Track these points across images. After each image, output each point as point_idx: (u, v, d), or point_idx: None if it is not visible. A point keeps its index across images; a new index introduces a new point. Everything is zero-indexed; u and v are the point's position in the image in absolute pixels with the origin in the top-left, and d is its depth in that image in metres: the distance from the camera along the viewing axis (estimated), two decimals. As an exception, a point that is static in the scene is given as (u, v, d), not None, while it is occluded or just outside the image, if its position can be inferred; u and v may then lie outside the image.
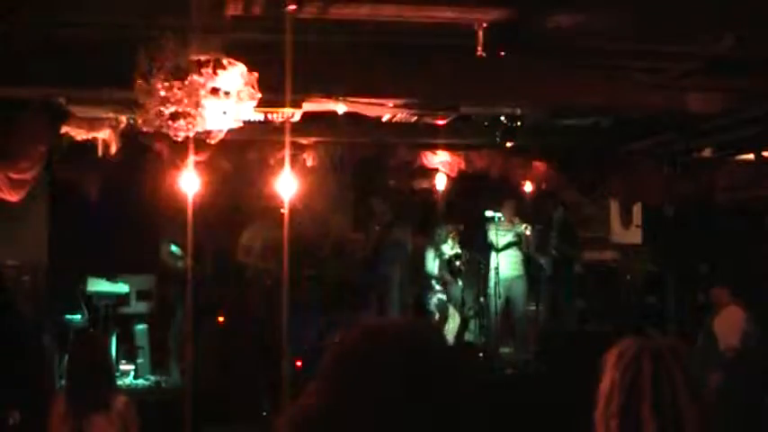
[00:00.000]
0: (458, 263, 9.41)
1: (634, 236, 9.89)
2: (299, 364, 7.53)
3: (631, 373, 1.96)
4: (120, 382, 7.57)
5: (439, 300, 9.49)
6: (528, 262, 9.68)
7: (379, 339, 1.33)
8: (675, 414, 1.91)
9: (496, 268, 9.20)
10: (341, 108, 6.58)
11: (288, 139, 8.22)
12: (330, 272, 10.37)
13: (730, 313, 6.30)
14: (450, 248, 9.45)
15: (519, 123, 6.97)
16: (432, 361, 1.31)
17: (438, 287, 9.45)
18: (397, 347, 1.31)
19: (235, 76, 4.30)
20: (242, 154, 8.32)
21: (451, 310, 9.53)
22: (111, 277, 8.60)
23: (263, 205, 9.34)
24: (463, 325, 9.41)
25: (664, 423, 1.91)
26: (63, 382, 6.57)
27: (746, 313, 6.26)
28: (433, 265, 9.49)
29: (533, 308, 9.65)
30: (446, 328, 9.22)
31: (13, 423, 5.34)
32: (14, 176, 6.04)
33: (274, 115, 6.98)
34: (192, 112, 4.35)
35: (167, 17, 4.28)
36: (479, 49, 4.59)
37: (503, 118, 6.99)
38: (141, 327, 8.32)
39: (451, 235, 9.45)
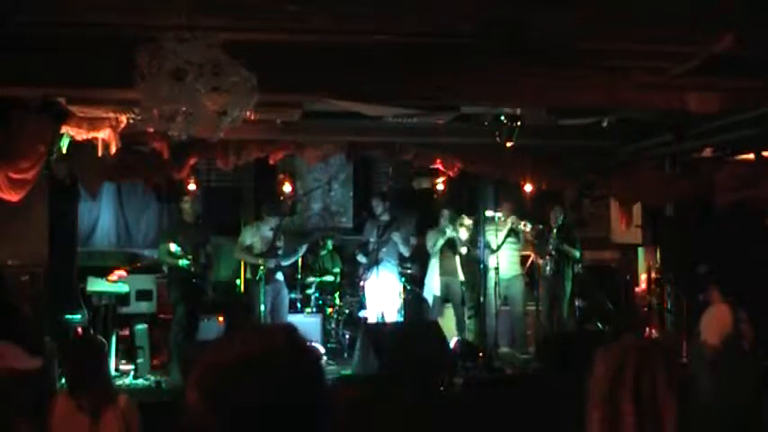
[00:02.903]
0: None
1: (634, 236, 9.89)
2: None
3: (616, 366, 1.99)
4: (119, 382, 7.58)
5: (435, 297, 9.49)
6: (527, 262, 9.70)
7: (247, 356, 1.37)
8: (655, 406, 1.94)
9: (496, 268, 9.21)
10: (341, 108, 6.58)
11: (288, 139, 8.26)
12: (329, 271, 10.40)
13: (715, 311, 6.20)
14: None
15: (519, 123, 6.97)
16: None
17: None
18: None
19: (234, 75, 4.29)
20: (242, 154, 8.32)
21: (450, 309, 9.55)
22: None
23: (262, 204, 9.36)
24: (461, 323, 9.41)
25: (642, 413, 1.94)
26: (63, 381, 6.57)
27: (734, 314, 6.14)
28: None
29: (533, 308, 9.66)
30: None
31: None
32: (14, 176, 6.04)
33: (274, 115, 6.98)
34: (192, 112, 4.34)
35: (167, 17, 4.28)
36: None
37: (503, 118, 6.98)
38: (141, 327, 8.31)
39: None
